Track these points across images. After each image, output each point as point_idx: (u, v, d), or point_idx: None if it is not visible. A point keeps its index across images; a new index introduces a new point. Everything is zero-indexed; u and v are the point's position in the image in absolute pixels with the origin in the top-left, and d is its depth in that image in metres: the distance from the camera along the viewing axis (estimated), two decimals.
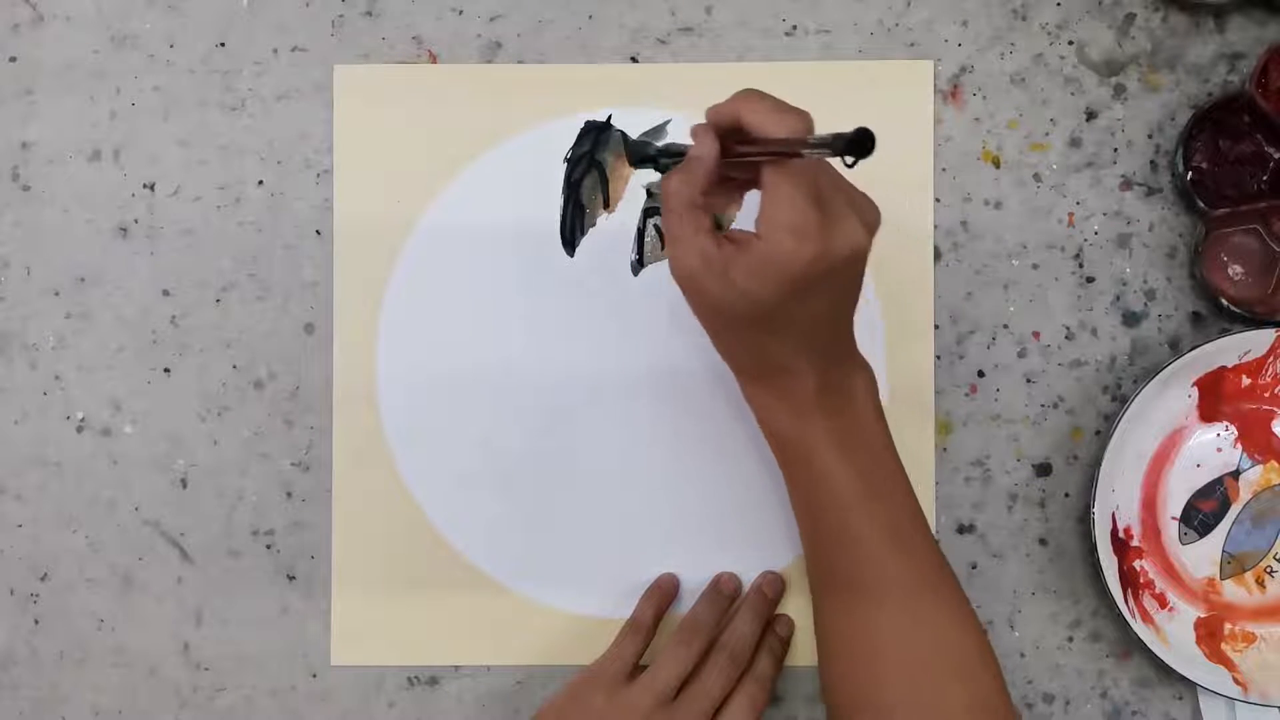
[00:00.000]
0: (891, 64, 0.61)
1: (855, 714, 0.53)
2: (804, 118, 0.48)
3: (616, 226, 0.61)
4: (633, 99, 0.61)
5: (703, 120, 0.50)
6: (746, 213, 0.56)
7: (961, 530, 0.61)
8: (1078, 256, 0.61)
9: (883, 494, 0.53)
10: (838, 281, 0.49)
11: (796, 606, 0.61)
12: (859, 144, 0.43)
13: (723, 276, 0.48)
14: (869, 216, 0.49)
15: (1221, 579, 0.60)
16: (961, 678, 0.52)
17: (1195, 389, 0.60)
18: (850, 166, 0.43)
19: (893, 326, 0.61)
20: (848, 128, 0.43)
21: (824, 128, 0.61)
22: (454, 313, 0.61)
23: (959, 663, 0.52)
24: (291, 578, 0.61)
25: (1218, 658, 0.59)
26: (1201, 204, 0.59)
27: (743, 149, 0.49)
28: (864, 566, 0.52)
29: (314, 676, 0.61)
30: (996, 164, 0.61)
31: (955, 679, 0.52)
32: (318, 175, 0.62)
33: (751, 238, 0.48)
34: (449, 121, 0.61)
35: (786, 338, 0.50)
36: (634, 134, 0.61)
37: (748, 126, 0.48)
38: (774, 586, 0.60)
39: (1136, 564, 0.60)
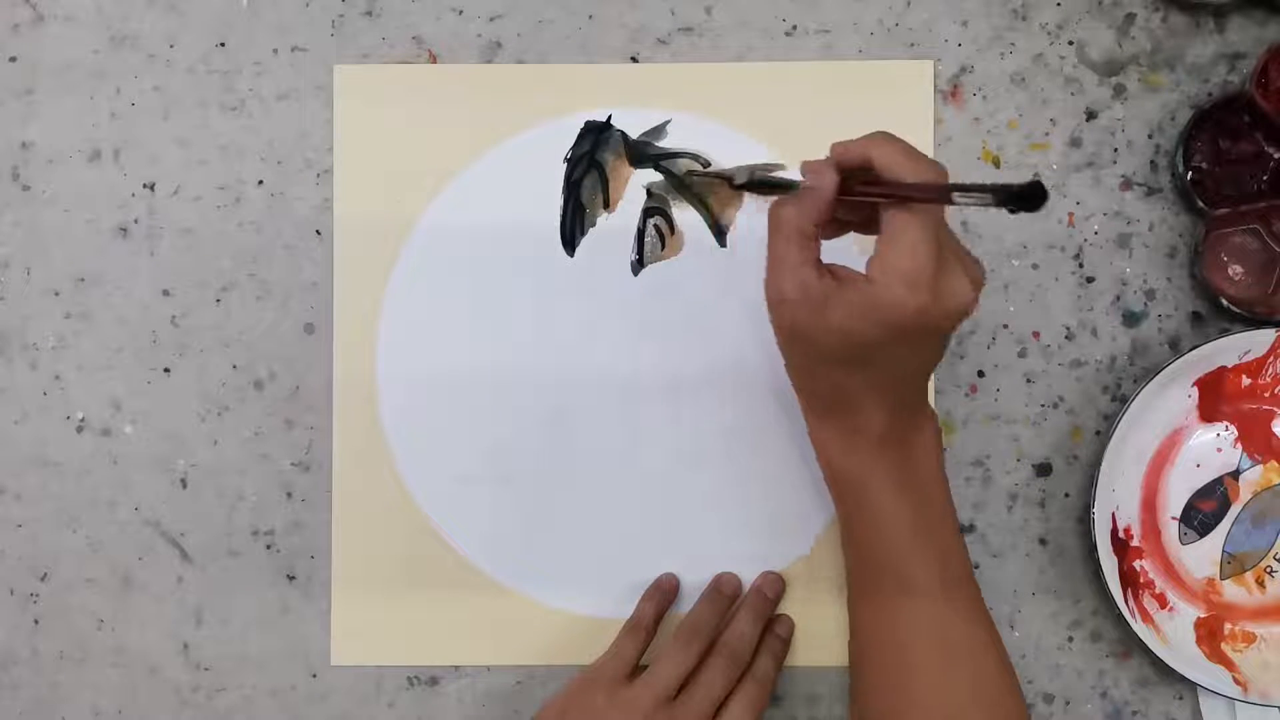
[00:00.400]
0: (891, 64, 0.61)
1: None
2: (939, 169, 0.47)
3: (616, 226, 0.61)
4: (633, 99, 0.61)
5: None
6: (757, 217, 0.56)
7: (961, 530, 0.61)
8: (1078, 256, 0.61)
9: (934, 533, 0.53)
10: (936, 337, 0.49)
11: (796, 607, 0.61)
12: (1028, 198, 0.41)
13: (819, 311, 0.47)
14: (977, 275, 0.48)
15: (1221, 579, 0.60)
16: (993, 714, 0.53)
17: (1195, 389, 0.60)
18: (1012, 214, 0.42)
19: None
20: (954, 178, 0.43)
21: (824, 127, 0.62)
22: (454, 313, 0.61)
23: (992, 699, 0.53)
24: (291, 578, 0.61)
25: (1218, 658, 0.59)
26: (1201, 204, 0.59)
27: (874, 189, 0.48)
28: (909, 607, 0.53)
29: (314, 676, 0.61)
30: (996, 164, 0.61)
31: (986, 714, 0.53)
32: (318, 175, 0.62)
33: (859, 278, 0.47)
34: (449, 121, 0.61)
35: (867, 379, 0.50)
36: (634, 134, 0.61)
37: (879, 168, 0.47)
38: (774, 587, 0.60)
39: (1136, 564, 0.60)
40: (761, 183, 0.56)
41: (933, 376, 0.60)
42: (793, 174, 0.50)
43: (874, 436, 0.52)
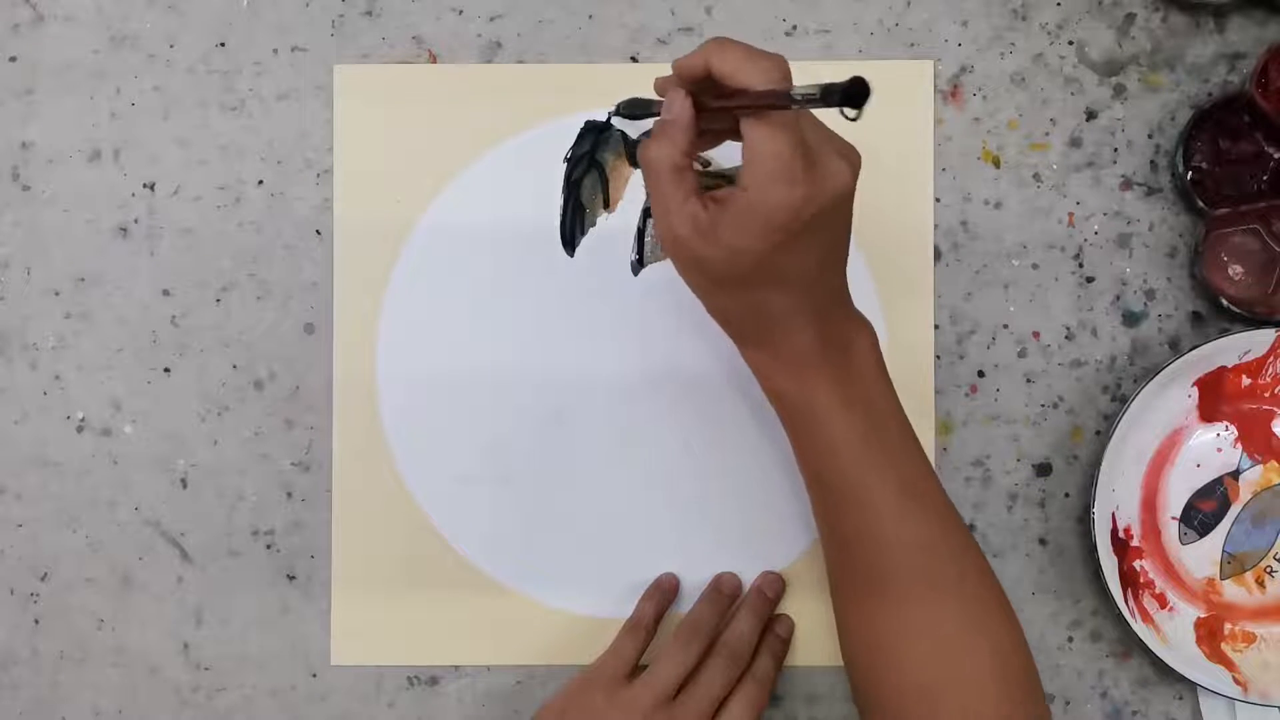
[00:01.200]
0: (891, 64, 0.61)
1: (883, 700, 0.52)
2: (778, 64, 0.47)
3: (616, 226, 0.61)
4: None
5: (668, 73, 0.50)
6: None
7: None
8: (1078, 256, 0.61)
9: (890, 449, 0.52)
10: (826, 226, 0.48)
11: (796, 606, 0.61)
12: (853, 95, 0.41)
13: (711, 236, 0.47)
14: (852, 157, 0.48)
15: (1221, 579, 0.60)
16: (986, 633, 0.51)
17: (1195, 389, 0.60)
18: (853, 120, 0.42)
19: (893, 326, 0.61)
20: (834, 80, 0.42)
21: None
22: (454, 313, 0.61)
23: (980, 619, 0.52)
24: (291, 578, 0.61)
25: (1218, 658, 0.59)
26: (1201, 204, 0.59)
27: (718, 103, 0.48)
28: (874, 525, 0.51)
29: (314, 676, 0.61)
30: (996, 164, 0.61)
31: (980, 634, 0.51)
32: (318, 175, 0.62)
33: (736, 193, 0.47)
34: (449, 121, 0.61)
35: (780, 292, 0.49)
36: (634, 134, 0.61)
37: (720, 78, 0.47)
38: (774, 586, 0.60)
39: (1136, 564, 0.60)
40: (630, 110, 0.55)
41: (932, 376, 0.61)
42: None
43: (805, 352, 0.51)
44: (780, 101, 0.45)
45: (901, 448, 0.52)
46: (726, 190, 0.48)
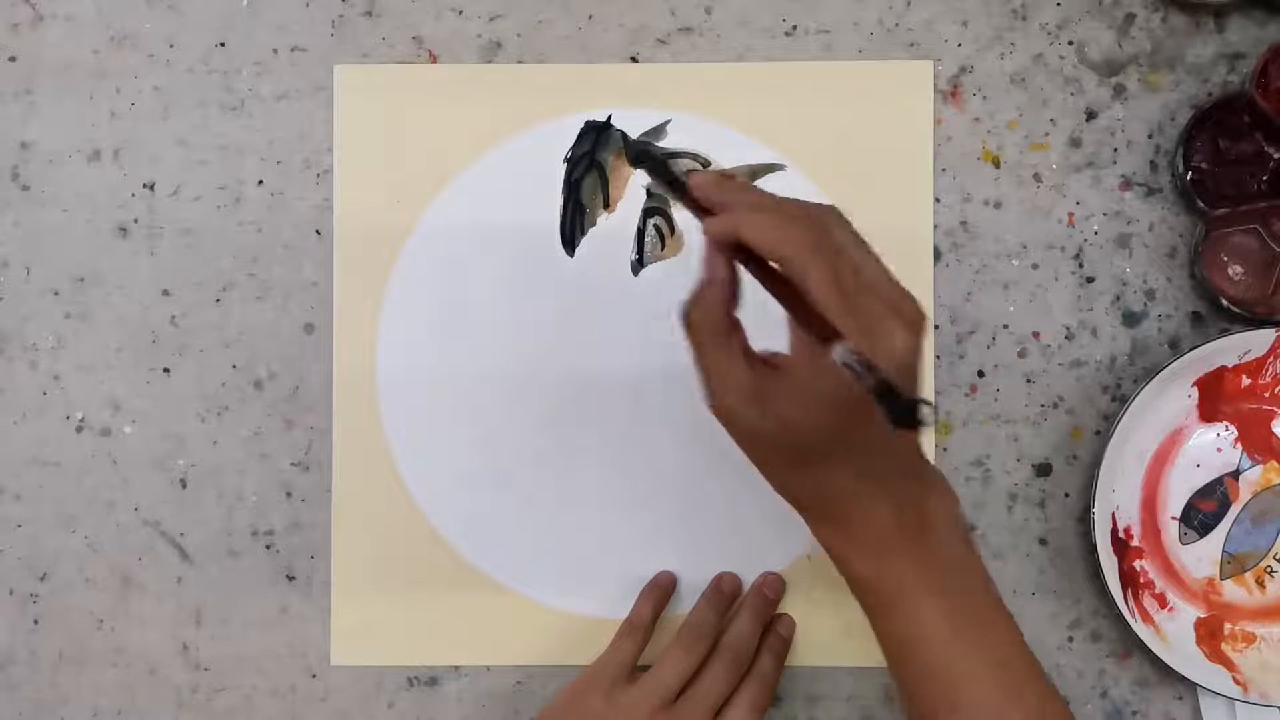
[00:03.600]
0: (891, 64, 0.61)
1: None
2: (809, 234, 0.42)
3: (616, 226, 0.61)
4: (633, 99, 0.61)
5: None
6: None
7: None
8: (1078, 256, 0.61)
9: (982, 633, 0.48)
10: None
11: (797, 607, 0.61)
12: (902, 412, 0.37)
13: (763, 405, 0.44)
14: (910, 315, 0.43)
15: (1221, 579, 0.60)
16: None
17: (1195, 389, 0.60)
18: (899, 428, 0.37)
19: None
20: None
21: (824, 127, 0.62)
22: (454, 313, 0.61)
23: None
24: (291, 578, 0.61)
25: (1218, 658, 0.59)
26: (1201, 204, 0.59)
27: (756, 275, 0.44)
28: (971, 711, 0.47)
29: (314, 676, 0.61)
30: (996, 164, 0.61)
31: None
32: (318, 175, 0.62)
33: (790, 362, 0.44)
34: (449, 121, 0.61)
35: (845, 466, 0.45)
36: (634, 134, 0.61)
37: (752, 247, 0.43)
38: (774, 587, 0.60)
39: (1136, 564, 0.60)
40: (662, 176, 0.50)
41: (932, 376, 0.60)
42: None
43: (882, 532, 0.46)
44: (816, 325, 0.40)
45: (993, 629, 0.48)
46: (779, 356, 0.44)
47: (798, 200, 0.45)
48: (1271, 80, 0.59)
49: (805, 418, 0.44)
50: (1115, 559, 0.59)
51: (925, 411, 0.37)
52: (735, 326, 0.46)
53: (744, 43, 0.61)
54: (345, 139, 0.61)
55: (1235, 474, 0.60)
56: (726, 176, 0.46)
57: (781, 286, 0.43)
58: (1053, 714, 0.48)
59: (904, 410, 0.37)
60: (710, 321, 0.45)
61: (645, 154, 0.56)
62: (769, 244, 0.43)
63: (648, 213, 0.61)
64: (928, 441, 0.60)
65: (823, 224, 0.44)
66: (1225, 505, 0.60)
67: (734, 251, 0.45)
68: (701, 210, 0.46)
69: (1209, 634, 0.60)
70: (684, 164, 0.61)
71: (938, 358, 0.61)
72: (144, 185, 0.62)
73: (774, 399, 0.44)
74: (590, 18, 0.61)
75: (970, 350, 0.61)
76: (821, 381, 0.42)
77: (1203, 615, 0.60)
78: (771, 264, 0.44)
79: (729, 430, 0.46)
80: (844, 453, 0.45)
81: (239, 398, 0.61)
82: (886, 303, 0.43)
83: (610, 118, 0.61)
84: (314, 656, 0.61)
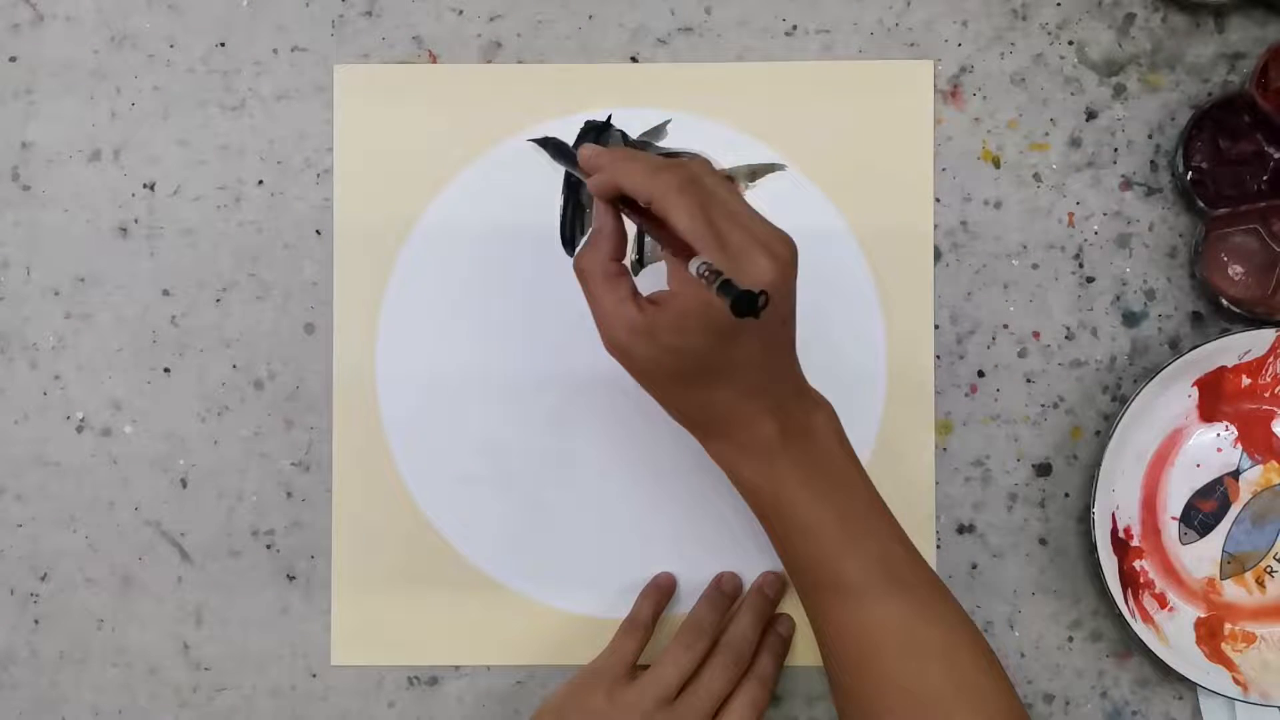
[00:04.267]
0: (891, 64, 0.61)
1: None
2: (675, 176, 0.47)
3: None
4: (633, 99, 0.61)
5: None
6: None
7: (961, 530, 0.61)
8: (1078, 256, 0.61)
9: (867, 530, 0.52)
10: (762, 321, 0.46)
11: (797, 606, 0.61)
12: (742, 305, 0.41)
13: (650, 338, 0.49)
14: (779, 250, 0.48)
15: (1221, 579, 0.60)
16: (977, 696, 0.51)
17: (1195, 389, 0.60)
18: (739, 317, 0.41)
19: (893, 326, 0.61)
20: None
21: (824, 127, 0.62)
22: (454, 313, 0.61)
23: (973, 683, 0.51)
24: (291, 578, 0.61)
25: (1218, 658, 0.59)
26: (1201, 204, 0.59)
27: (634, 219, 0.50)
28: (859, 608, 0.51)
29: (314, 676, 0.61)
30: (996, 164, 0.61)
31: (972, 697, 0.51)
32: (318, 175, 0.62)
33: (670, 295, 0.48)
34: (449, 121, 0.61)
35: (728, 385, 0.50)
36: (634, 134, 0.61)
37: (631, 194, 0.49)
38: (774, 586, 0.60)
39: (1136, 564, 0.60)
40: (554, 148, 0.59)
41: (932, 376, 0.60)
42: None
43: (767, 441, 0.51)
44: (686, 253, 0.45)
45: (877, 528, 0.52)
46: (660, 293, 0.49)
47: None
48: (1271, 80, 0.59)
49: (687, 342, 0.48)
50: (1115, 559, 0.59)
51: (761, 299, 0.40)
52: (623, 272, 0.51)
53: (744, 43, 0.61)
54: (345, 139, 0.61)
55: (1235, 474, 0.60)
56: (615, 149, 0.53)
57: (660, 229, 0.48)
58: (937, 599, 0.52)
59: (740, 298, 0.40)
60: (601, 267, 0.50)
61: (546, 140, 0.60)
62: (642, 188, 0.48)
63: None
64: (928, 441, 0.60)
65: (690, 170, 0.48)
66: (1225, 505, 0.60)
67: (618, 203, 0.50)
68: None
69: (1209, 634, 0.60)
70: None
71: (938, 358, 0.61)
72: (144, 185, 0.62)
73: (659, 331, 0.48)
74: (590, 18, 0.61)
75: (970, 350, 0.61)
76: (696, 307, 0.47)
77: (1203, 615, 0.60)
78: (647, 207, 0.48)
79: (623, 364, 0.51)
80: (728, 372, 0.49)
81: (239, 398, 0.61)
82: (755, 237, 0.48)
83: (610, 118, 0.61)
84: (314, 656, 0.61)
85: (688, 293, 0.47)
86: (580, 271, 0.51)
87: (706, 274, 0.42)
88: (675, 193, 0.47)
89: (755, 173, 0.61)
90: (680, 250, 0.46)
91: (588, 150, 0.52)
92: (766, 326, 0.49)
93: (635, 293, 0.50)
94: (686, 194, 0.47)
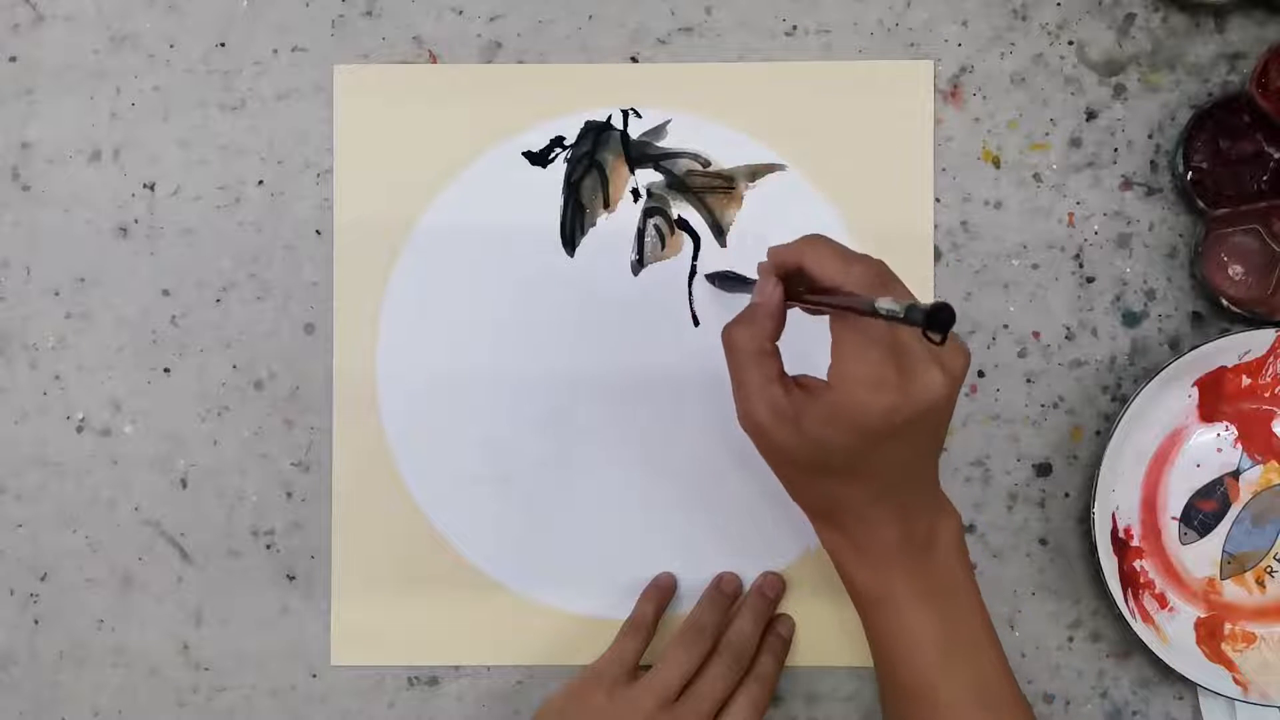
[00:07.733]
0: (891, 64, 0.61)
1: None
2: (871, 268, 0.46)
3: (616, 226, 0.61)
4: (633, 99, 0.61)
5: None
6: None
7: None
8: (1078, 256, 0.61)
9: (969, 650, 0.51)
10: (919, 432, 0.47)
11: (797, 607, 0.61)
12: (936, 320, 0.40)
13: (794, 426, 0.47)
14: (953, 362, 0.47)
15: (1221, 579, 0.60)
16: None
17: (1195, 389, 0.60)
18: (937, 344, 0.41)
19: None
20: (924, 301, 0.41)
21: (824, 127, 0.62)
22: (454, 313, 0.61)
23: None
24: (291, 578, 0.61)
25: (1218, 658, 0.59)
26: (1201, 204, 0.59)
27: (810, 299, 0.48)
28: None
29: (314, 676, 0.61)
30: (996, 164, 0.61)
31: None
32: (318, 175, 0.62)
33: (824, 386, 0.47)
34: (449, 121, 0.61)
35: (864, 487, 0.49)
36: (634, 134, 0.61)
37: (811, 274, 0.47)
38: (774, 587, 0.60)
39: (1136, 564, 0.60)
40: (723, 284, 0.59)
41: None
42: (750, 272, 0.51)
43: (886, 547, 0.50)
44: (865, 310, 0.44)
45: (979, 647, 0.51)
46: (813, 380, 0.48)
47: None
48: (1271, 80, 0.59)
49: (833, 437, 0.46)
50: (1115, 559, 0.59)
51: (945, 312, 0.39)
52: (775, 353, 0.49)
53: (744, 43, 0.61)
54: (345, 139, 0.61)
55: (1235, 474, 0.60)
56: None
57: (831, 314, 0.47)
58: None
59: (932, 314, 0.40)
60: (752, 342, 0.48)
61: (714, 275, 0.60)
62: (833, 275, 0.47)
63: (648, 213, 0.61)
64: None
65: (883, 267, 0.47)
66: (1225, 505, 0.60)
67: (788, 280, 0.49)
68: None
69: (1209, 634, 0.60)
70: (684, 164, 0.61)
71: None
72: (144, 185, 0.62)
73: (805, 420, 0.47)
74: (590, 18, 0.61)
75: (970, 350, 0.61)
76: (850, 404, 0.46)
77: (1203, 615, 0.60)
78: (813, 301, 0.47)
79: (756, 443, 0.49)
80: (865, 473, 0.48)
81: (239, 398, 0.61)
82: (929, 350, 0.46)
83: (610, 118, 0.61)
84: (314, 656, 0.61)
85: (844, 388, 0.46)
86: (730, 344, 0.49)
87: (891, 310, 0.41)
88: (868, 289, 0.46)
89: (755, 173, 0.61)
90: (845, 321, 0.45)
91: (778, 247, 0.50)
92: (918, 434, 0.47)
93: (783, 374, 0.48)
94: (878, 291, 0.46)
